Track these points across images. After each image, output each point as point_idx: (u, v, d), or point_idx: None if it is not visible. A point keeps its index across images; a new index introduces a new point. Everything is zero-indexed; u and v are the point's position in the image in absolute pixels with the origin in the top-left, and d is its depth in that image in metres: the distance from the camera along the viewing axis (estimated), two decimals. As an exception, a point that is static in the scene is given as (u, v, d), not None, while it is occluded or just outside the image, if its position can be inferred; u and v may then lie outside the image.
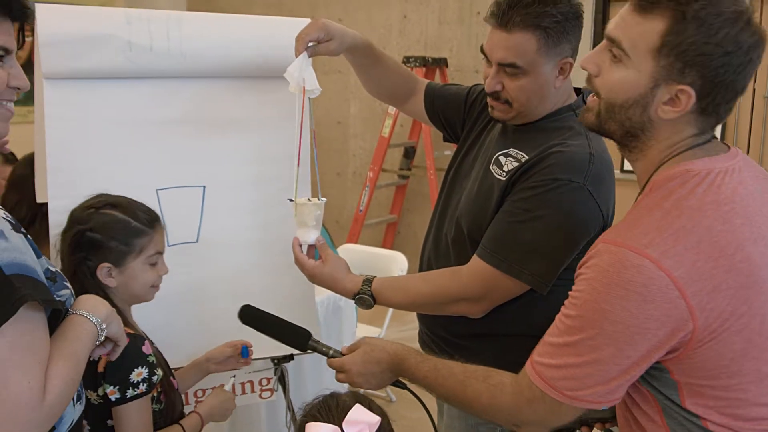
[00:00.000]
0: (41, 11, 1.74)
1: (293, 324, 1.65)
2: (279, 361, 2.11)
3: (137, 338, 1.58)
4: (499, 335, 1.71)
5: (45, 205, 1.98)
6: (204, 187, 1.98)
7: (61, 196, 1.80)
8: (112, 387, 1.53)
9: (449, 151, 4.84)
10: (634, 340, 1.13)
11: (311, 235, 1.75)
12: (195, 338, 1.96)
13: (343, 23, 5.45)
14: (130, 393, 1.53)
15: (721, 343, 1.13)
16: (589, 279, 1.17)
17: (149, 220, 1.66)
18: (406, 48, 5.65)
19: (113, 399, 1.52)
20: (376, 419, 1.20)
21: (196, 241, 1.98)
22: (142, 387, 1.55)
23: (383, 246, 5.53)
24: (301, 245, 1.76)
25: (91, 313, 1.28)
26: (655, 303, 1.10)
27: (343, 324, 3.13)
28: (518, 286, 1.62)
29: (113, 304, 1.51)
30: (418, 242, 4.71)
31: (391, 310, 3.65)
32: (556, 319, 1.24)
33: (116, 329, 1.34)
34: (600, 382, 1.17)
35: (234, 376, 2.00)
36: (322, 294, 2.68)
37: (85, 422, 1.49)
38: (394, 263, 3.62)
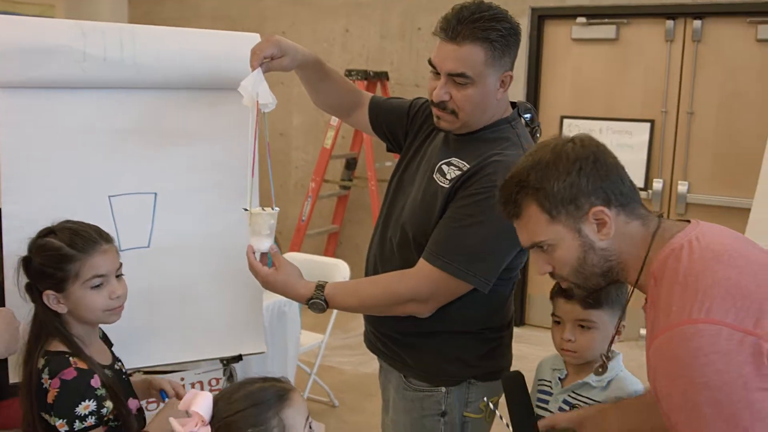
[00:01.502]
0: (-3, 22, 1.79)
1: (532, 412, 1.64)
2: (228, 362, 2.18)
3: (86, 372, 1.61)
4: (442, 332, 1.82)
5: None
6: (155, 194, 2.04)
7: (14, 201, 1.86)
8: (60, 420, 1.57)
9: (390, 162, 4.98)
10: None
11: (265, 244, 1.81)
12: (147, 341, 2.02)
13: (288, 36, 5.58)
14: (77, 426, 1.57)
15: None
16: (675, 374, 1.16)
17: (84, 245, 1.66)
18: (349, 61, 5.76)
19: None
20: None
21: (148, 246, 2.04)
22: (90, 420, 1.59)
23: (325, 255, 5.62)
24: (255, 253, 1.82)
25: None
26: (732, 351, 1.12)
27: (287, 329, 3.21)
28: (463, 287, 1.73)
29: (66, 331, 1.61)
30: (360, 251, 4.81)
31: (333, 317, 3.74)
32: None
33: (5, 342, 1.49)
34: None
35: (183, 379, 2.06)
36: (267, 299, 2.76)
37: None
38: (337, 271, 3.71)
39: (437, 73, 1.74)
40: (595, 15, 4.89)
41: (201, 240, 2.10)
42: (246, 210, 1.82)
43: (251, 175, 1.84)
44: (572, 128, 5.06)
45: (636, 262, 1.32)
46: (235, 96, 1.81)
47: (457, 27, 1.67)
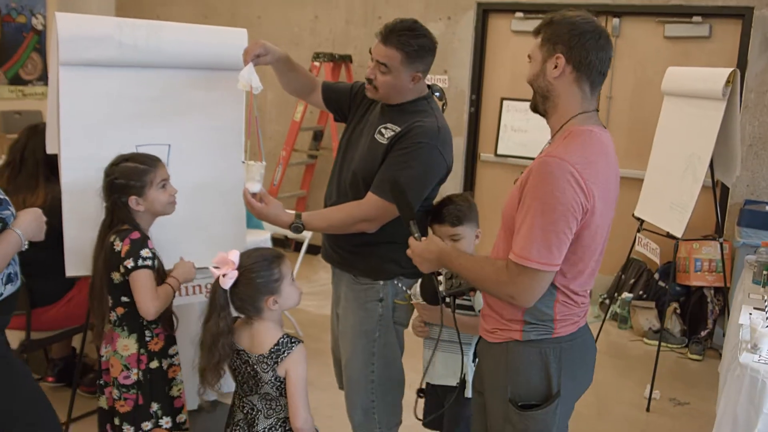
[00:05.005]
0: (60, 18, 2.53)
1: (412, 208, 2.23)
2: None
3: (146, 236, 2.43)
4: (382, 242, 2.57)
5: (45, 157, 2.80)
6: (169, 145, 2.79)
7: (71, 147, 2.60)
8: (128, 259, 2.37)
9: (352, 134, 5.67)
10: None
11: (257, 186, 2.50)
12: (171, 244, 2.74)
13: (261, 21, 6.48)
14: (140, 263, 2.37)
15: (588, 228, 1.81)
16: (540, 179, 1.76)
17: (151, 162, 2.49)
18: (317, 45, 6.42)
19: (130, 267, 2.34)
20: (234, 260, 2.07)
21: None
22: (148, 262, 2.38)
23: (294, 216, 6.29)
24: (251, 193, 2.51)
25: (18, 228, 2.17)
26: (575, 188, 1.75)
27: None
28: (394, 210, 2.42)
29: (137, 224, 2.41)
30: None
31: (297, 268, 4.47)
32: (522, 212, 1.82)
33: (34, 230, 2.22)
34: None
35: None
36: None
37: (109, 298, 2.35)
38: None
39: (373, 60, 2.51)
40: (531, 10, 5.63)
41: (202, 180, 2.85)
42: (243, 162, 2.53)
43: (247, 136, 2.57)
44: (510, 109, 5.80)
45: (563, 114, 1.90)
46: (230, 76, 2.58)
47: (388, 34, 2.45)
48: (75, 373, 3.25)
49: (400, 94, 2.54)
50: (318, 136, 6.52)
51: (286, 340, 2.11)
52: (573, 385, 1.97)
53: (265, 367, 2.09)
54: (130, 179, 2.42)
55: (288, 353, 2.08)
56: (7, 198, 2.22)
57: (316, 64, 6.00)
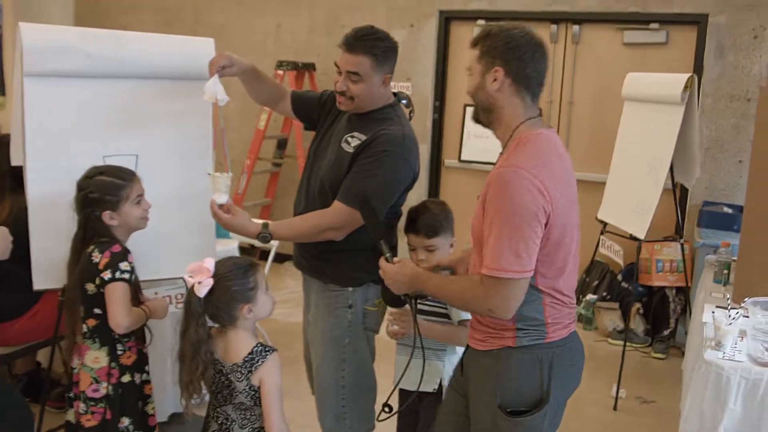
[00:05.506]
0: (24, 28, 2.50)
1: (381, 227, 2.26)
2: (189, 281, 2.91)
3: (126, 249, 2.41)
4: (350, 249, 2.58)
5: (10, 168, 2.76)
6: (137, 156, 2.77)
7: (36, 159, 2.57)
8: (106, 270, 2.33)
9: (317, 142, 5.68)
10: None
11: (223, 198, 2.50)
12: (140, 254, 2.67)
13: (224, 29, 6.45)
14: (117, 275, 2.34)
15: (554, 228, 1.84)
16: (498, 189, 1.80)
17: (126, 176, 2.46)
18: (280, 53, 6.42)
19: (107, 279, 2.31)
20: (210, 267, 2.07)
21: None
22: (125, 275, 2.35)
23: (259, 225, 6.27)
24: (218, 204, 2.50)
25: None
26: (533, 192, 1.78)
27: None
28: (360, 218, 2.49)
29: (113, 237, 2.39)
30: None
31: (266, 274, 4.45)
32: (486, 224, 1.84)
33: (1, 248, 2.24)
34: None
35: (156, 293, 2.79)
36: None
37: (81, 309, 2.31)
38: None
39: (340, 72, 2.52)
40: (492, 18, 5.70)
41: (169, 190, 2.83)
42: (209, 174, 2.52)
43: (212, 147, 2.57)
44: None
45: (509, 124, 1.93)
46: (197, 86, 2.56)
47: (353, 42, 2.46)
48: (43, 387, 3.20)
49: (374, 99, 2.56)
50: (282, 144, 6.52)
51: (260, 348, 2.11)
52: (562, 391, 1.99)
53: (239, 376, 2.08)
54: (105, 194, 2.39)
55: (262, 362, 2.08)
56: None
57: (280, 72, 6.00)
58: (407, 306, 2.21)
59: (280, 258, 4.75)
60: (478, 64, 1.95)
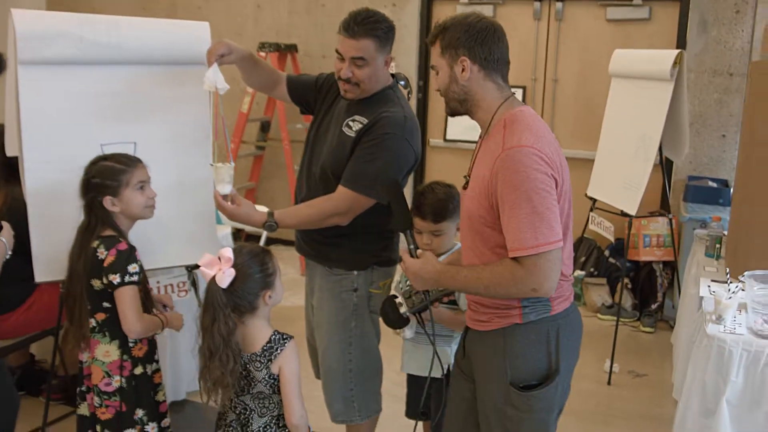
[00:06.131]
0: (17, 14, 2.42)
1: (410, 216, 2.20)
2: (191, 269, 2.88)
3: (132, 247, 2.34)
4: (354, 233, 2.58)
5: (4, 158, 2.69)
6: (135, 143, 2.71)
7: (33, 148, 2.50)
8: (115, 275, 2.28)
9: (300, 124, 5.64)
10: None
11: (227, 188, 2.49)
12: (141, 243, 2.64)
13: (202, 11, 6.33)
14: (127, 279, 2.29)
15: (559, 195, 1.87)
16: (512, 171, 1.81)
17: (128, 161, 2.41)
18: (260, 34, 6.34)
19: (116, 283, 2.26)
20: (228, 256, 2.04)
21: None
22: (134, 277, 2.31)
23: (244, 209, 6.22)
24: (221, 195, 2.49)
25: (4, 238, 2.13)
26: (543, 167, 1.81)
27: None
28: (368, 201, 2.48)
29: (117, 226, 2.33)
30: (276, 203, 5.46)
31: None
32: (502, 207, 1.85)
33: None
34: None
35: (158, 282, 2.76)
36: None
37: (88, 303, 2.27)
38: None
39: (342, 59, 2.48)
40: (475, -4, 5.70)
41: (168, 177, 2.77)
42: (211, 165, 2.49)
43: (215, 137, 2.52)
44: (458, 94, 5.85)
45: (487, 108, 1.96)
46: (194, 70, 2.53)
47: (354, 27, 2.43)
48: (48, 380, 3.17)
49: (378, 82, 2.54)
50: (265, 127, 6.46)
51: (277, 336, 2.10)
52: (569, 361, 2.03)
53: (258, 365, 2.07)
54: (105, 178, 2.35)
55: (281, 350, 2.07)
56: None
57: (262, 54, 5.91)
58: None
59: (267, 241, 4.73)
60: (441, 59, 1.98)
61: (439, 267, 2.00)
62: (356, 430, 2.77)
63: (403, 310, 2.15)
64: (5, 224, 2.23)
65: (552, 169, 1.85)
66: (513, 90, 2.01)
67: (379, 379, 2.77)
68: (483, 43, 1.92)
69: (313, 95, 2.78)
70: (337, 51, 2.51)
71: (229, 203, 2.49)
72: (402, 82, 2.70)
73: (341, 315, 2.64)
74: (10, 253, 2.15)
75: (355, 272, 2.62)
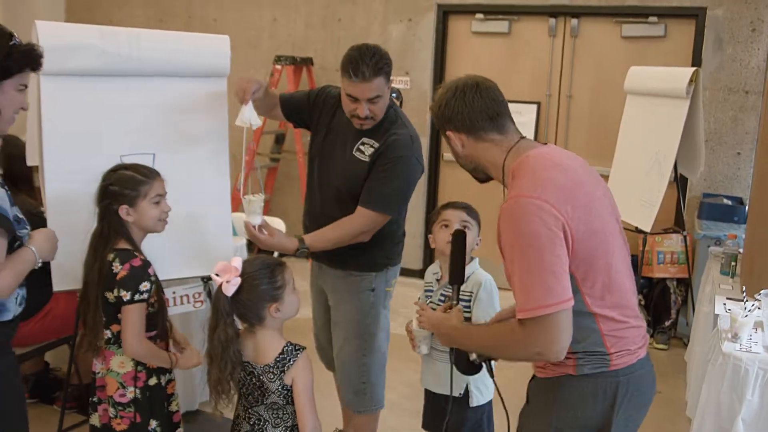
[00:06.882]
0: (41, 26, 2.46)
1: (464, 270, 2.21)
2: (207, 280, 2.90)
3: (146, 263, 2.35)
4: (372, 242, 2.75)
5: (27, 168, 2.71)
6: (154, 154, 2.74)
7: (53, 159, 2.53)
8: (125, 291, 2.29)
9: (316, 137, 5.68)
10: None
11: (258, 219, 2.60)
12: (158, 253, 2.63)
13: (218, 24, 6.40)
14: (137, 297, 2.30)
15: (580, 241, 1.72)
16: (507, 225, 1.74)
17: (149, 173, 2.41)
18: (276, 47, 6.39)
19: (125, 300, 2.28)
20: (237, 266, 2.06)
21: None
22: (144, 295, 2.31)
23: (258, 220, 6.26)
24: (253, 226, 2.59)
25: (34, 247, 2.12)
26: (541, 216, 1.69)
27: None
28: (385, 218, 2.71)
29: (130, 236, 2.32)
30: (288, 216, 5.50)
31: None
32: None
33: (47, 250, 2.18)
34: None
35: (174, 292, 2.77)
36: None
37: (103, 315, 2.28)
38: (275, 226, 4.40)
39: (356, 100, 2.60)
40: (490, 12, 5.72)
41: (185, 189, 2.78)
42: (244, 197, 2.57)
43: (246, 172, 2.55)
44: (472, 108, 5.86)
45: (495, 166, 1.91)
46: (214, 85, 2.69)
47: (365, 71, 2.54)
48: (64, 388, 3.19)
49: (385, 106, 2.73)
50: (280, 139, 6.50)
51: (290, 348, 2.11)
52: (625, 423, 1.86)
53: (272, 376, 2.08)
54: (124, 187, 2.36)
55: (294, 361, 2.08)
56: (24, 217, 2.15)
57: (278, 67, 5.97)
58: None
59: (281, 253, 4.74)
60: (445, 138, 2.01)
61: (456, 324, 2.02)
62: (362, 423, 2.95)
63: (472, 358, 2.08)
64: (44, 231, 2.24)
65: (554, 216, 1.69)
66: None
67: (384, 373, 2.97)
68: (459, 111, 1.89)
69: (307, 111, 2.93)
70: (349, 95, 2.61)
71: (261, 232, 2.61)
72: (394, 94, 2.84)
73: (359, 313, 2.84)
74: (40, 262, 2.15)
75: (373, 273, 2.84)
